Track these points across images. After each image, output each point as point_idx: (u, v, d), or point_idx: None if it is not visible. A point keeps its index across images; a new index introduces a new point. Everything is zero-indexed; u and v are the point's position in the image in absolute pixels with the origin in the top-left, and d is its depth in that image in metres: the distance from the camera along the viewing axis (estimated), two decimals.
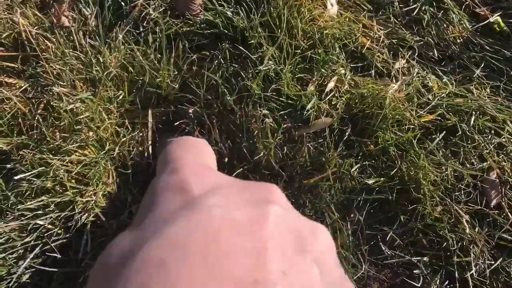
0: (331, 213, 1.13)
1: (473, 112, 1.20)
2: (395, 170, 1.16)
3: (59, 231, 1.07)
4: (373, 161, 1.19)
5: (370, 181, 1.16)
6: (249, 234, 0.32)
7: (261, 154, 1.17)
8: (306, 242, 0.35)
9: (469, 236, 1.12)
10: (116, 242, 0.35)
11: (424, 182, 1.14)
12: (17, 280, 1.03)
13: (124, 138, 1.18)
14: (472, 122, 1.20)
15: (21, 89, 1.18)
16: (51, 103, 1.16)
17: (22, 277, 1.04)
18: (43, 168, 1.09)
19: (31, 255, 1.05)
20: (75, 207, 1.08)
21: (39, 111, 1.17)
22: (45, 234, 1.06)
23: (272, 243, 0.32)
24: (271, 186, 0.39)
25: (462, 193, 1.17)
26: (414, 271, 1.13)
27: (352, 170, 1.16)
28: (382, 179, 1.17)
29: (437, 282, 1.11)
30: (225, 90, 1.18)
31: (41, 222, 1.06)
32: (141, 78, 1.19)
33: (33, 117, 1.16)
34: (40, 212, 1.07)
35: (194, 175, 0.40)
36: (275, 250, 0.31)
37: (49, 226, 1.07)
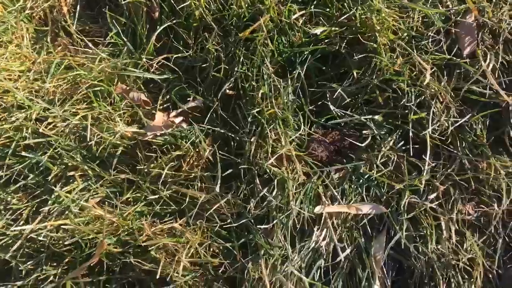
0: (266, 69, 0.97)
1: None
2: (346, 15, 0.97)
3: None
4: (322, 8, 1.00)
5: (318, 31, 0.99)
6: None
7: (193, 6, 1.01)
8: None
9: (433, 90, 0.95)
10: None
11: (380, 29, 0.95)
12: None
13: None
14: None
15: None
16: None
17: None
18: None
19: None
20: None
21: None
22: None
23: None
24: None
25: (430, 41, 0.98)
26: (364, 132, 0.97)
27: (294, 16, 0.98)
28: (332, 28, 0.99)
29: (391, 143, 0.96)
30: None
31: None
32: None
33: None
34: None
35: None
36: None
37: None
